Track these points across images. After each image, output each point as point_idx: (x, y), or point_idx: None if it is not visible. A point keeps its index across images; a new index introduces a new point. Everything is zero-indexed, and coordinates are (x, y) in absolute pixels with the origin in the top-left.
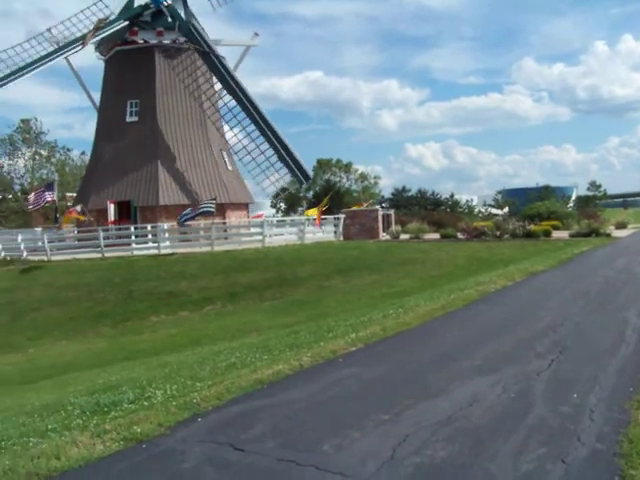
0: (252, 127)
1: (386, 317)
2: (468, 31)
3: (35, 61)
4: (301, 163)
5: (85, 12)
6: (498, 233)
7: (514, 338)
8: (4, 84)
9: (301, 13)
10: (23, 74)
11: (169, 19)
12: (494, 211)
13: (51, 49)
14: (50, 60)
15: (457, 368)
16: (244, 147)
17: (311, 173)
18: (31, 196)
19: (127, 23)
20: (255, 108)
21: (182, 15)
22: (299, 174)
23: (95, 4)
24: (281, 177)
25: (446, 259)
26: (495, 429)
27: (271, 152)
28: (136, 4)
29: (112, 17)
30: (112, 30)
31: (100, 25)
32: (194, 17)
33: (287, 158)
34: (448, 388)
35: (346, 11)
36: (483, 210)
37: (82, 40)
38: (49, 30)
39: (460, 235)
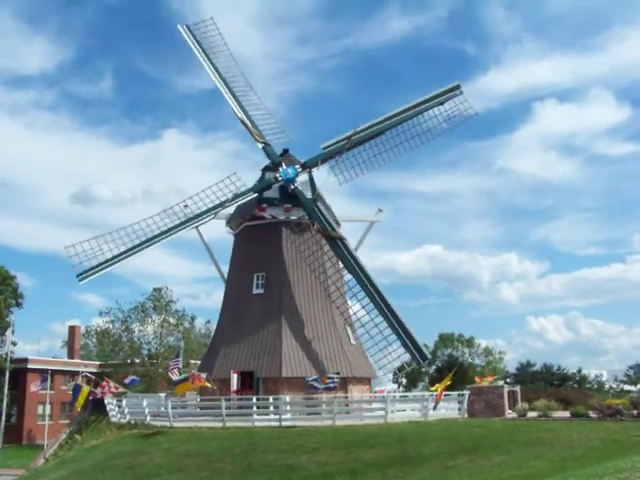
0: (367, 300)
1: None
2: (587, 202)
3: (168, 229)
4: (418, 343)
5: (218, 184)
6: (635, 412)
7: None
8: (136, 252)
9: (421, 189)
10: (154, 243)
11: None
12: (627, 387)
13: (184, 219)
14: (182, 229)
15: None
16: (358, 319)
17: (428, 354)
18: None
19: (256, 195)
20: (372, 284)
21: (309, 195)
22: (416, 354)
23: (229, 177)
24: (398, 357)
25: (578, 440)
26: None
27: (389, 332)
28: (266, 178)
29: (243, 188)
30: (243, 201)
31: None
32: (321, 196)
33: (407, 341)
34: None
35: (464, 187)
36: (614, 386)
37: (214, 211)
38: (184, 204)
39: (592, 414)
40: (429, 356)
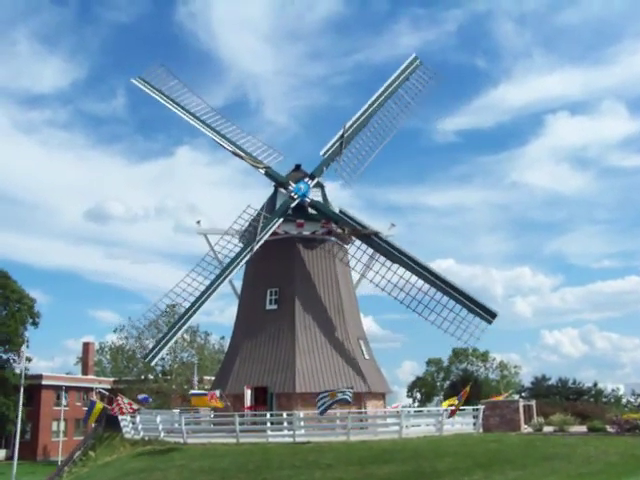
0: (427, 286)
1: None
2: (601, 214)
3: (211, 283)
4: (482, 303)
5: (238, 221)
6: None
7: None
8: (183, 322)
9: (433, 204)
10: (199, 304)
11: (309, 211)
12: None
13: (217, 272)
14: (223, 280)
15: None
16: (426, 306)
17: (495, 309)
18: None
19: (282, 220)
20: (422, 266)
21: (327, 207)
22: (483, 313)
23: (245, 211)
24: (470, 322)
25: (595, 455)
26: None
27: (453, 304)
28: (279, 200)
29: (255, 213)
30: (271, 230)
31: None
32: (331, 207)
33: (470, 304)
34: None
35: (477, 201)
36: (632, 400)
37: (249, 247)
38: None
39: (609, 428)
40: (497, 312)
